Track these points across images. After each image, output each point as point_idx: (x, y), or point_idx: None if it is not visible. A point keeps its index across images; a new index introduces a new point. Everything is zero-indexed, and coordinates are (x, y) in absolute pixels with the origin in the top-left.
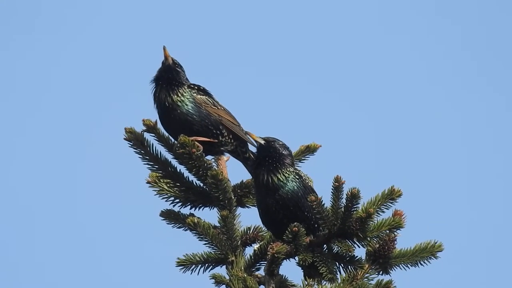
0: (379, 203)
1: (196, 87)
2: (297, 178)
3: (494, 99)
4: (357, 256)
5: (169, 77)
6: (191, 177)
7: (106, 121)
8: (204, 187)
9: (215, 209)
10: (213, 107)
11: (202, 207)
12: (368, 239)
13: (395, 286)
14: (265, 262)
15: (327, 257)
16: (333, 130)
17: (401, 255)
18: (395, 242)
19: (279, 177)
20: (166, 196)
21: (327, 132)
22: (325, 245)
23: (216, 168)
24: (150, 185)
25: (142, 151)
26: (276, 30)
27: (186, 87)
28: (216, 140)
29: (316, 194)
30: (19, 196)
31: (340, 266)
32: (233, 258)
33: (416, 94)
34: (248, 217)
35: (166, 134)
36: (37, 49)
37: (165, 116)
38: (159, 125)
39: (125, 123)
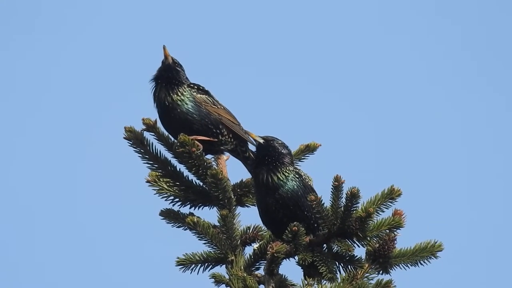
0: (379, 202)
1: (196, 86)
2: (297, 177)
3: (494, 99)
4: (357, 256)
5: (169, 76)
6: (191, 176)
7: (106, 121)
8: (204, 186)
9: (215, 208)
10: (213, 106)
11: (202, 206)
12: (368, 238)
13: (395, 285)
14: (265, 262)
15: (327, 257)
16: (333, 130)
17: (401, 254)
18: (395, 241)
19: (279, 176)
20: (165, 195)
21: (327, 132)
22: (325, 245)
23: (216, 167)
24: (150, 184)
25: (142, 150)
26: (276, 30)
27: (186, 86)
28: (216, 139)
29: (316, 194)
30: (19, 196)
31: (340, 266)
32: (232, 258)
33: (416, 94)
34: (248, 217)
35: (166, 133)
36: (37, 49)
37: (165, 115)
38: (159, 124)
39: (125, 122)
